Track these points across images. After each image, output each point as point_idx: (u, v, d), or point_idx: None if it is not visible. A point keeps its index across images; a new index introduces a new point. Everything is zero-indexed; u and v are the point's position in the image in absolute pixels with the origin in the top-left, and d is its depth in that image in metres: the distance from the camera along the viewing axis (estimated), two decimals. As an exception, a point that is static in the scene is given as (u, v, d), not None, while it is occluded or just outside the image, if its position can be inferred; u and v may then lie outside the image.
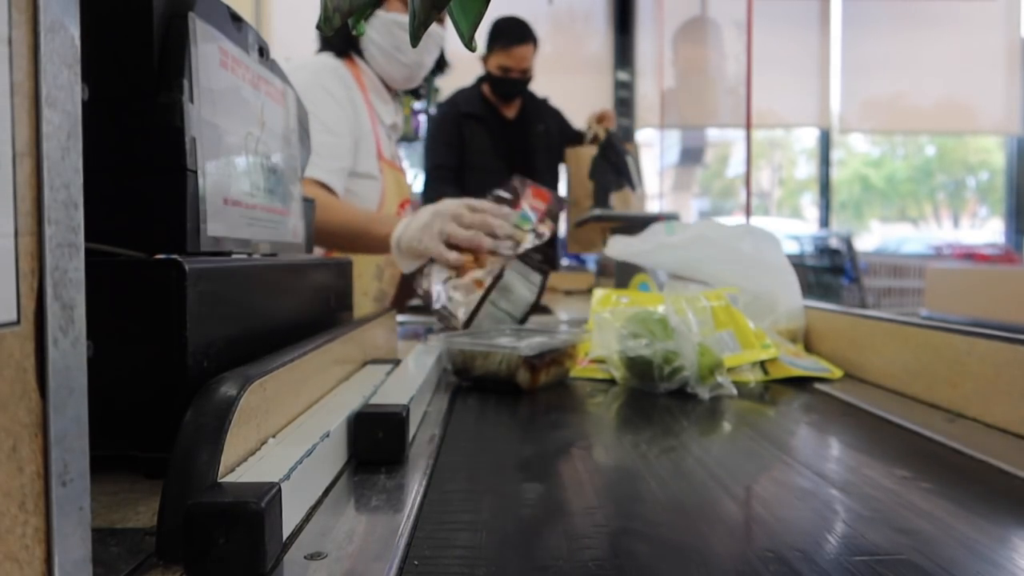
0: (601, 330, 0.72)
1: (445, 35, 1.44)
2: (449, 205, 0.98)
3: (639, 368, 0.68)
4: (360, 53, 1.40)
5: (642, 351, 0.67)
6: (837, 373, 0.76)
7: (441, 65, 1.55)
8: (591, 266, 2.87)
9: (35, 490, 0.20)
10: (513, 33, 2.32)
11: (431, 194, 2.23)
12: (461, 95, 2.45)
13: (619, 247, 0.99)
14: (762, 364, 0.75)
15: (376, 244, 1.10)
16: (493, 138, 2.39)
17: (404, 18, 1.35)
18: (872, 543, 0.33)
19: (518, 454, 0.49)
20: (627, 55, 4.55)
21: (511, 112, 2.43)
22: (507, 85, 2.34)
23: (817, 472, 0.44)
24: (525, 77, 2.35)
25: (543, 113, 2.48)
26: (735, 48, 4.31)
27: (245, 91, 0.49)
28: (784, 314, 0.86)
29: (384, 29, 1.34)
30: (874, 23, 4.69)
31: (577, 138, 2.45)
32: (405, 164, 1.67)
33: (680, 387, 0.67)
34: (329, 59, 1.37)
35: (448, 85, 2.54)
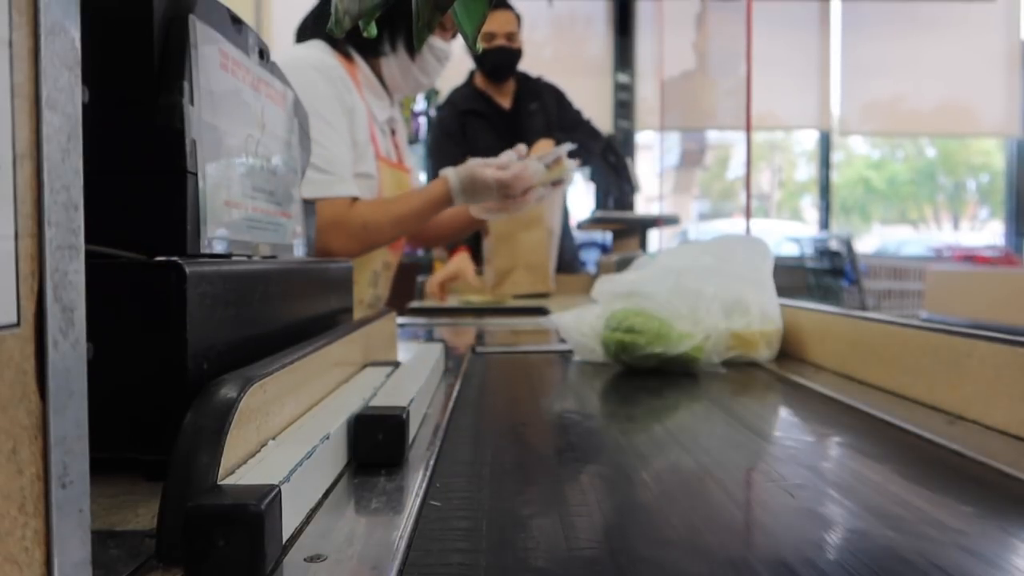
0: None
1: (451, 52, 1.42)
2: (484, 160, 1.22)
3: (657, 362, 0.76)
4: (371, 54, 1.34)
5: (672, 353, 0.75)
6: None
7: None
8: (591, 268, 2.88)
9: (35, 492, 0.20)
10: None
11: None
12: (457, 94, 2.44)
13: (606, 287, 0.99)
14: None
15: (442, 201, 1.23)
16: (495, 131, 2.34)
17: (443, 46, 1.35)
18: (871, 543, 0.33)
19: (518, 455, 0.49)
20: (627, 57, 4.55)
21: (506, 101, 2.40)
22: (493, 56, 2.28)
23: (816, 473, 0.44)
24: (511, 46, 2.28)
25: (538, 91, 2.43)
26: (736, 49, 4.31)
27: (245, 93, 0.49)
28: (758, 316, 0.85)
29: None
30: (874, 25, 4.70)
31: (570, 121, 2.40)
32: (412, 162, 1.63)
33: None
34: (326, 56, 1.27)
35: (442, 85, 2.54)
